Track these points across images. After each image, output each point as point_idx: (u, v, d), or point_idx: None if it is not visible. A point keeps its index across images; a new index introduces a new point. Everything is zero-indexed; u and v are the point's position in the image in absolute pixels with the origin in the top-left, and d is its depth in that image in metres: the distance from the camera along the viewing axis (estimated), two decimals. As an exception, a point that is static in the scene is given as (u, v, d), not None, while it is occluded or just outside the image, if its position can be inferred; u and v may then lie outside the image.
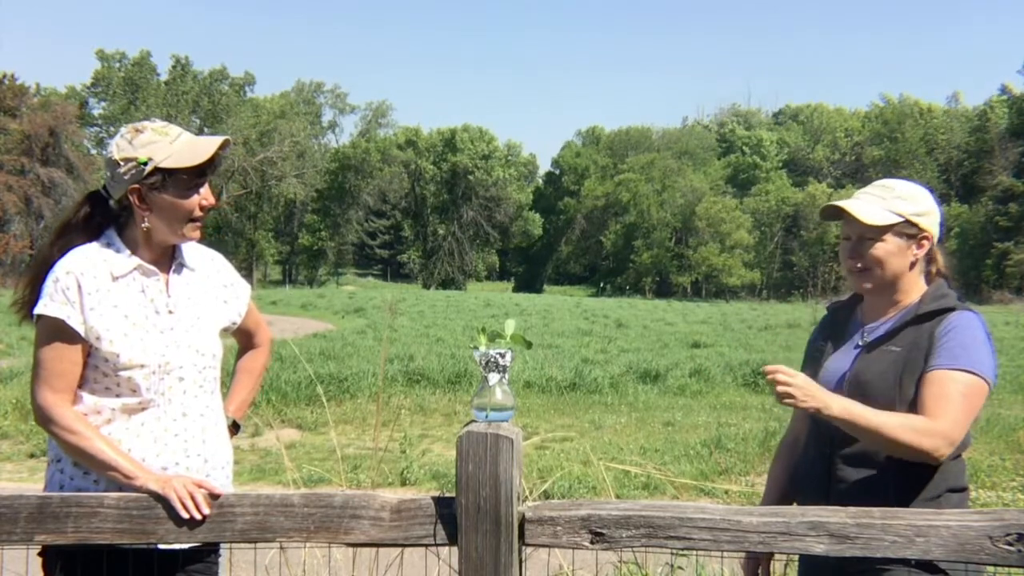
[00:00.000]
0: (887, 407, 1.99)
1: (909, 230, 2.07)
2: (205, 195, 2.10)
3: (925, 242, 2.09)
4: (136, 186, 2.03)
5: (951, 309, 2.05)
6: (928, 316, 2.06)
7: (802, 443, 2.28)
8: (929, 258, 2.15)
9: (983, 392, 1.97)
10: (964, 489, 2.06)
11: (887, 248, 2.07)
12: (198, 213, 2.09)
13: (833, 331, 2.26)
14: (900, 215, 2.06)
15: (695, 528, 1.65)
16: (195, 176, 2.06)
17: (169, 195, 2.04)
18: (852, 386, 2.07)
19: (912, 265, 2.10)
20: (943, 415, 1.92)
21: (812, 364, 2.24)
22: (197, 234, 2.13)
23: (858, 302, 2.25)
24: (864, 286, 2.12)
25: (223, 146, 2.09)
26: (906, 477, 1.99)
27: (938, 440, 1.90)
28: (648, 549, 1.70)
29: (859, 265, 2.10)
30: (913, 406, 1.98)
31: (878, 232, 2.06)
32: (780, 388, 1.91)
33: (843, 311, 2.28)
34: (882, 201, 2.09)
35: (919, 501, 1.96)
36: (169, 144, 2.04)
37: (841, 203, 2.11)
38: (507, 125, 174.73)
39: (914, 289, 2.13)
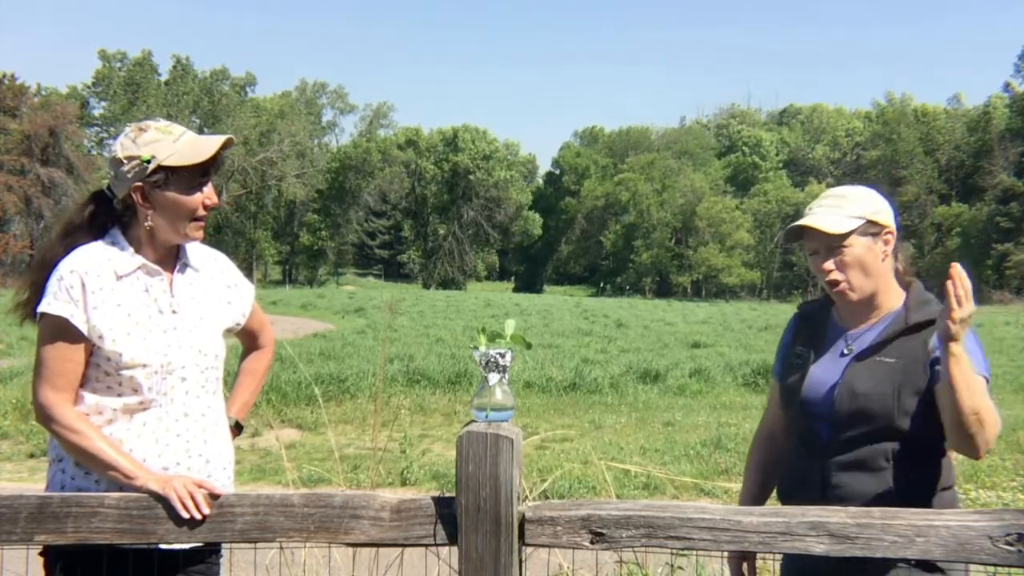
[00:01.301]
0: (885, 421, 1.99)
1: (872, 229, 2.08)
2: (208, 194, 2.10)
3: (889, 237, 2.10)
4: (139, 184, 2.04)
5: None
6: (921, 326, 2.04)
7: (783, 445, 2.27)
8: (894, 256, 2.14)
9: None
10: (951, 487, 2.08)
11: (856, 251, 2.07)
12: (201, 212, 2.10)
13: (809, 336, 2.23)
14: (860, 217, 2.07)
15: (695, 528, 1.65)
16: (198, 174, 2.07)
17: (172, 193, 2.05)
18: (846, 397, 2.05)
19: (883, 265, 2.10)
20: (987, 419, 1.88)
21: (791, 370, 2.21)
22: (200, 234, 2.13)
23: (832, 303, 2.22)
24: (848, 298, 2.10)
25: (226, 145, 2.09)
26: (907, 480, 2.00)
27: (994, 437, 1.88)
28: (648, 549, 1.70)
29: (837, 275, 2.09)
30: (913, 419, 1.98)
31: (843, 239, 2.07)
32: (959, 292, 1.79)
33: (818, 314, 2.26)
34: (839, 210, 2.09)
35: (919, 503, 1.94)
36: (172, 143, 2.04)
37: (805, 222, 2.11)
38: (507, 125, 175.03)
39: (891, 291, 2.11)
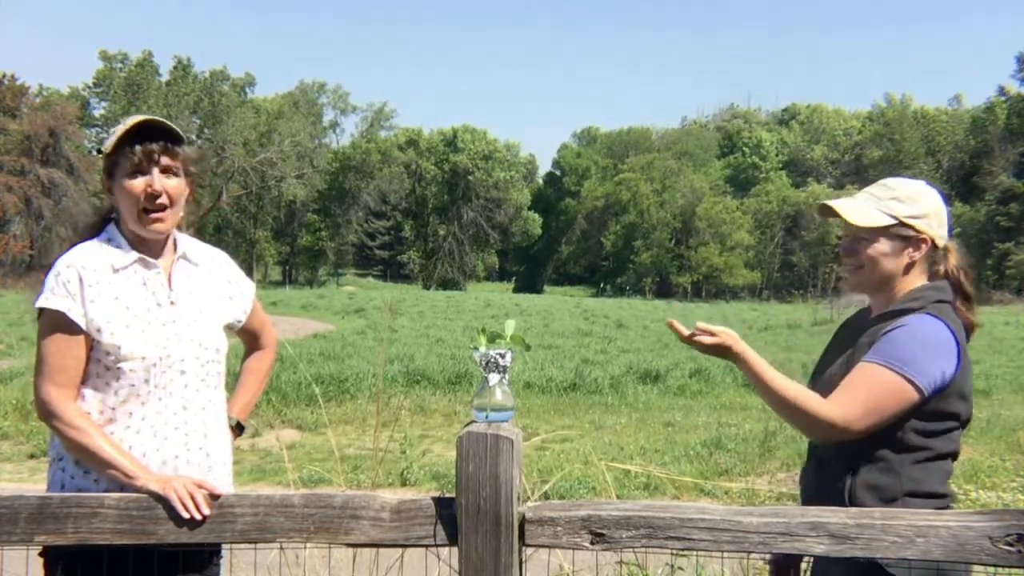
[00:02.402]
0: None
1: (904, 232, 2.04)
2: (149, 181, 2.06)
3: (923, 245, 2.05)
4: (103, 176, 2.11)
5: (911, 311, 2.00)
6: (887, 316, 2.03)
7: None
8: (934, 259, 2.09)
9: (900, 392, 1.91)
10: (937, 496, 1.97)
11: (879, 249, 2.04)
12: (143, 202, 2.07)
13: (835, 340, 2.25)
14: (894, 217, 2.03)
15: (695, 528, 1.65)
16: (125, 160, 2.06)
17: (115, 180, 2.09)
18: (822, 386, 2.06)
19: (908, 268, 2.06)
20: (837, 400, 1.92)
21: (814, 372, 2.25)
22: (160, 226, 2.10)
23: (869, 313, 2.22)
24: (852, 285, 2.11)
25: (147, 126, 2.06)
26: (857, 476, 1.97)
27: (821, 417, 1.91)
28: (648, 549, 1.70)
29: (852, 263, 2.09)
30: None
31: (871, 233, 2.05)
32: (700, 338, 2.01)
33: (858, 317, 2.26)
34: (877, 201, 2.06)
35: (874, 502, 1.93)
36: (122, 130, 2.08)
37: (832, 202, 2.11)
38: (507, 125, 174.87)
39: (909, 289, 2.09)
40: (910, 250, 2.05)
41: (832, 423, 1.91)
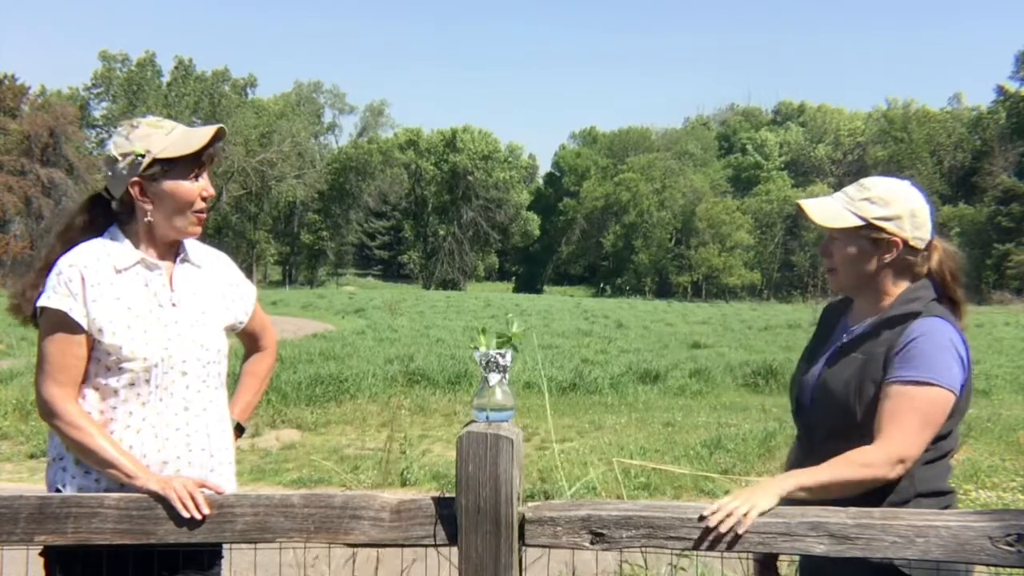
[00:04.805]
0: (848, 414, 1.96)
1: (873, 235, 2.00)
2: (205, 186, 2.12)
3: (894, 248, 2.01)
4: (136, 179, 2.06)
5: (916, 314, 1.97)
6: (893, 321, 2.00)
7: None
8: (917, 260, 2.06)
9: (943, 402, 1.90)
10: (943, 493, 1.97)
11: (847, 251, 2.03)
12: (200, 204, 2.11)
13: (822, 332, 2.23)
14: (863, 218, 2.00)
15: (695, 528, 1.65)
16: (193, 165, 2.08)
17: (169, 186, 2.07)
18: (819, 392, 2.04)
19: (882, 270, 2.03)
20: (891, 436, 1.86)
21: (799, 364, 2.22)
22: (198, 228, 2.14)
23: (851, 302, 2.20)
24: (833, 284, 2.11)
25: (218, 135, 2.10)
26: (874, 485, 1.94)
27: (883, 466, 1.84)
28: (648, 549, 1.70)
29: (828, 264, 2.09)
30: (872, 410, 1.93)
31: (840, 234, 2.03)
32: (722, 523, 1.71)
33: (835, 311, 2.23)
34: (850, 202, 2.03)
35: (888, 504, 1.89)
36: (165, 136, 2.07)
37: (803, 202, 2.09)
38: (508, 125, 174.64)
39: (895, 290, 2.06)
40: (880, 253, 2.02)
41: (897, 460, 1.85)
